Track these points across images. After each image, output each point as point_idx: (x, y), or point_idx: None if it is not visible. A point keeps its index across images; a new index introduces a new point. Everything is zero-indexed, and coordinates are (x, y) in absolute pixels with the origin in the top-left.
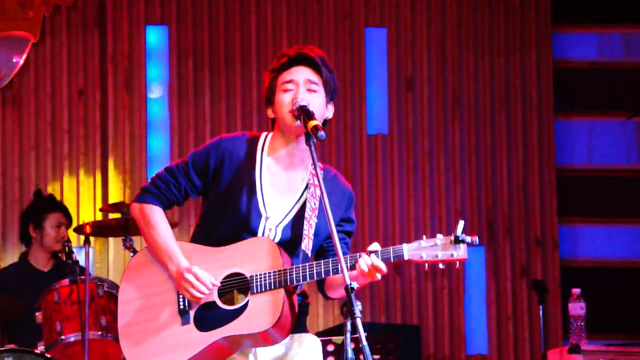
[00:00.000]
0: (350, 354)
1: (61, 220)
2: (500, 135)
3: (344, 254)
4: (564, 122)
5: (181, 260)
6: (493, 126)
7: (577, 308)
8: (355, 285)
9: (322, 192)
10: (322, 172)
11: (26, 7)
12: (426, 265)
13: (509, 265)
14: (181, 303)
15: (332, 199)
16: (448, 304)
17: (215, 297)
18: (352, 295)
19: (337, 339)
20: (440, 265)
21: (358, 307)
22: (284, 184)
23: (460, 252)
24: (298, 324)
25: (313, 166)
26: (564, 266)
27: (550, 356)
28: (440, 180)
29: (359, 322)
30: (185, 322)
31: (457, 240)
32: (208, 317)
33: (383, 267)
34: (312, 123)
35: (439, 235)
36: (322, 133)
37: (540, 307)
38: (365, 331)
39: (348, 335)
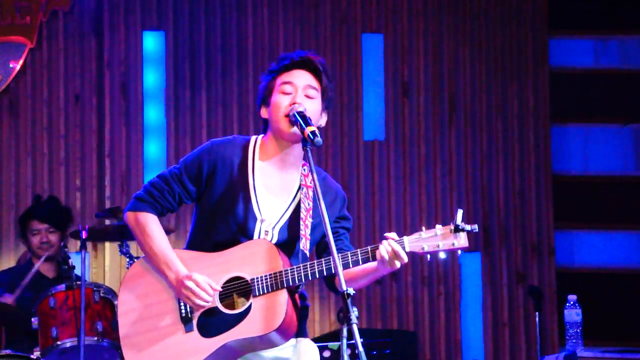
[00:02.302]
0: None
1: (38, 227)
2: (497, 141)
3: (346, 247)
4: (560, 129)
5: (180, 268)
6: (489, 132)
7: (573, 315)
8: (351, 291)
9: (318, 197)
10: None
11: (23, 12)
12: (428, 256)
13: (505, 271)
14: (183, 310)
15: (325, 199)
16: (444, 310)
17: (217, 303)
18: (349, 301)
19: (334, 345)
20: (442, 255)
21: (354, 313)
22: (278, 186)
23: (461, 241)
24: (299, 328)
25: (310, 172)
26: (560, 272)
27: None
28: (437, 187)
29: (355, 328)
30: (188, 329)
31: (457, 229)
32: (211, 323)
33: (402, 253)
34: (310, 129)
35: (438, 226)
36: (319, 139)
37: (537, 313)
38: (361, 337)
39: (344, 341)
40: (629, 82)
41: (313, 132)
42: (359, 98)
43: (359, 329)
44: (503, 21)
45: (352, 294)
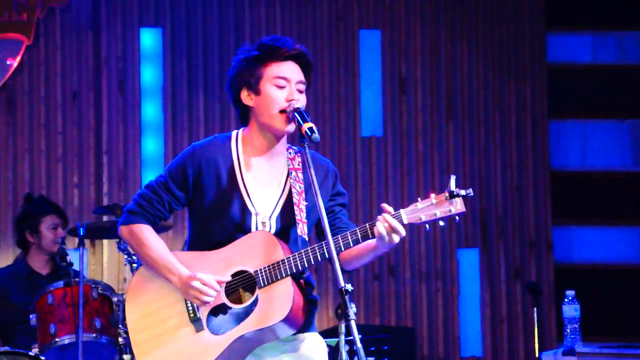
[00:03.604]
0: (344, 356)
1: (56, 222)
2: (494, 137)
3: (345, 225)
4: (558, 124)
5: (182, 270)
6: (487, 128)
7: (571, 310)
8: (349, 287)
9: (316, 194)
10: (299, 155)
11: (20, 9)
12: (427, 226)
13: (503, 267)
14: (191, 311)
15: (317, 178)
16: (442, 306)
17: (223, 299)
18: (347, 297)
19: (332, 341)
20: (441, 223)
21: (352, 309)
22: (266, 176)
23: (458, 206)
24: (307, 321)
25: (307, 169)
26: (558, 268)
27: (545, 359)
28: (435, 183)
29: (353, 324)
30: (199, 328)
31: (452, 195)
32: (220, 320)
33: (399, 226)
34: (307, 125)
35: (433, 195)
36: (316, 136)
37: (535, 309)
38: (359, 333)
39: (342, 337)
40: (627, 77)
41: (311, 129)
42: (357, 94)
43: (357, 325)
44: (501, 17)
45: (350, 290)
